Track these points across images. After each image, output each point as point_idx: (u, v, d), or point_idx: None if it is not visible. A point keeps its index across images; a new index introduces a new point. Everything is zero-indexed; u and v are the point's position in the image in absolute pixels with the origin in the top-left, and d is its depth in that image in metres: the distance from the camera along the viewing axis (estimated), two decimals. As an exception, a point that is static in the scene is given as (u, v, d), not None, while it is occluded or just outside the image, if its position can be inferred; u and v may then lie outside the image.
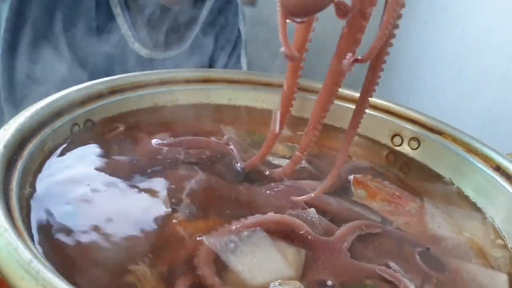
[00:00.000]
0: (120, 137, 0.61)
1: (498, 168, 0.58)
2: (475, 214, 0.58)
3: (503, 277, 0.47)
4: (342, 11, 0.40)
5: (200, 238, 0.43)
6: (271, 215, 0.47)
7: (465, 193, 0.61)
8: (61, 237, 0.41)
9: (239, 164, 0.58)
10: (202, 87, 0.73)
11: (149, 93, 0.68)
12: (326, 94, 0.49)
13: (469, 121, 1.53)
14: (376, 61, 0.48)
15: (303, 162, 0.60)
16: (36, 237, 0.40)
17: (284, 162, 0.59)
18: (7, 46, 1.07)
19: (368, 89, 0.50)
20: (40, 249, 0.38)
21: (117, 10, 1.12)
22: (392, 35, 0.46)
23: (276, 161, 0.61)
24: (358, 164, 0.64)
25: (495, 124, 1.47)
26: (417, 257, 0.47)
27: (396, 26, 0.45)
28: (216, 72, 0.75)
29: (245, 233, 0.44)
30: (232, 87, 0.75)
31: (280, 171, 0.55)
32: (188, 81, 0.72)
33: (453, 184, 0.63)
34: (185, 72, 0.72)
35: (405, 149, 0.69)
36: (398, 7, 0.43)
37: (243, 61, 1.38)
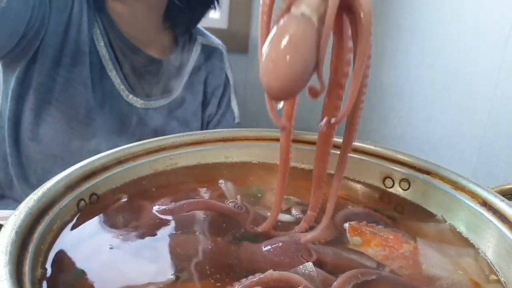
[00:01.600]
0: (124, 207, 0.64)
1: (485, 203, 0.60)
2: (468, 250, 0.60)
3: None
4: (313, 92, 0.44)
5: (205, 302, 0.46)
6: (269, 273, 0.49)
7: (457, 230, 0.63)
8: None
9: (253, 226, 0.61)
10: (199, 149, 0.77)
11: (149, 161, 0.72)
12: (321, 155, 0.54)
13: (465, 146, 1.56)
14: (351, 115, 0.52)
15: (297, 212, 0.63)
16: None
17: (283, 216, 0.62)
18: (12, 114, 1.15)
19: (348, 139, 0.54)
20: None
21: (109, 67, 1.20)
22: (364, 86, 0.50)
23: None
24: (352, 210, 0.67)
25: (491, 148, 1.50)
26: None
27: (366, 76, 0.49)
28: (210, 133, 0.78)
29: (246, 294, 0.47)
30: (226, 146, 0.79)
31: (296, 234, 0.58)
32: (186, 145, 0.76)
33: (445, 222, 0.65)
34: (183, 137, 0.76)
35: (397, 190, 0.72)
36: (365, 58, 0.46)
37: (234, 105, 1.44)
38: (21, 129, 1.17)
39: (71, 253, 0.53)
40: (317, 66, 0.42)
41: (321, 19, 0.42)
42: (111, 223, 0.60)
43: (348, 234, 0.60)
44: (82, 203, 0.62)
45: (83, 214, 0.61)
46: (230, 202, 0.67)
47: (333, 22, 0.42)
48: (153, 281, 0.50)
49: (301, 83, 0.42)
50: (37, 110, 1.14)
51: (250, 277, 0.49)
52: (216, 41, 1.43)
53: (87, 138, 1.18)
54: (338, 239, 0.59)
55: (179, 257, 0.53)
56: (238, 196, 0.68)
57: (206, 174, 0.76)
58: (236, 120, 1.44)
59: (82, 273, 0.50)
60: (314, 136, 0.77)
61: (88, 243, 0.56)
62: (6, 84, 1.17)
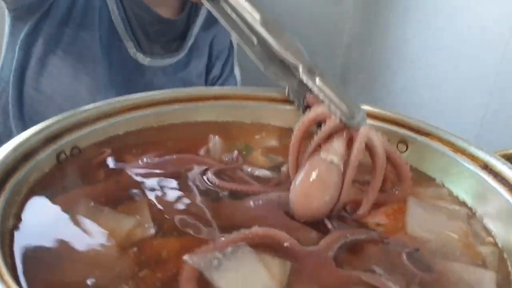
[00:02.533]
0: (107, 161, 0.61)
1: (486, 167, 0.57)
2: (464, 214, 0.57)
3: (490, 275, 0.47)
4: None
5: (184, 257, 0.43)
6: (255, 229, 0.47)
7: (455, 194, 0.61)
8: (44, 267, 0.42)
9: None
10: (190, 106, 0.74)
11: (136, 116, 0.69)
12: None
13: (469, 115, 1.52)
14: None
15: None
16: (20, 268, 0.41)
17: (266, 172, 0.60)
18: (19, 64, 1.16)
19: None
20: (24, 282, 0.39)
21: (118, 23, 1.20)
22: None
23: (257, 172, 0.61)
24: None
25: (495, 118, 1.46)
26: (405, 258, 0.47)
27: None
28: (202, 90, 0.75)
29: (229, 249, 0.44)
30: (219, 104, 0.75)
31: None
32: (175, 101, 0.73)
33: (444, 187, 0.62)
34: (171, 93, 0.73)
35: (394, 152, 0.69)
36: (378, 189, 0.56)
37: (237, 71, 1.46)
38: (26, 79, 1.17)
39: (47, 206, 0.51)
40: (338, 200, 0.52)
41: (345, 163, 0.53)
42: (91, 177, 0.58)
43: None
44: (63, 155, 0.59)
45: (63, 166, 0.58)
46: (226, 157, 0.64)
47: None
48: (132, 235, 0.47)
49: (326, 213, 0.52)
50: (44, 61, 1.15)
51: (235, 232, 0.47)
52: None
53: (92, 92, 1.18)
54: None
55: (160, 212, 0.51)
56: (236, 151, 0.65)
57: (196, 133, 0.73)
58: (238, 85, 1.43)
59: (57, 225, 0.48)
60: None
61: (66, 196, 0.53)
62: (14, 37, 1.18)
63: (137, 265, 0.44)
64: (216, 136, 0.69)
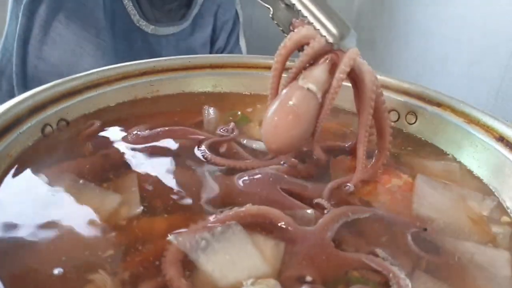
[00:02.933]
0: (96, 134, 0.58)
1: (502, 139, 0.53)
2: (477, 191, 0.53)
3: (505, 255, 0.43)
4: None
5: (168, 237, 0.40)
6: (247, 207, 0.43)
7: (468, 168, 0.56)
8: (18, 249, 0.39)
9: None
10: (184, 75, 0.70)
11: (128, 86, 0.65)
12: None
13: (483, 88, 1.46)
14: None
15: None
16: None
17: (262, 145, 0.56)
18: (22, 31, 1.14)
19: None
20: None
21: None
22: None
23: (255, 144, 0.57)
24: (342, 144, 0.59)
25: (510, 89, 1.40)
26: (409, 240, 0.43)
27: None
28: (197, 59, 0.71)
29: (219, 228, 0.41)
30: (215, 73, 0.71)
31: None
32: (168, 70, 0.69)
33: (455, 161, 0.58)
34: (165, 61, 0.69)
35: (403, 124, 0.65)
36: (367, 127, 0.50)
37: (242, 42, 1.47)
38: (29, 47, 1.15)
39: (28, 182, 0.48)
40: (313, 135, 0.48)
41: (324, 94, 0.47)
42: (78, 151, 0.54)
43: (330, 169, 0.53)
44: (48, 128, 0.56)
45: (48, 140, 0.55)
46: (221, 129, 0.61)
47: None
48: (117, 214, 0.44)
49: (296, 147, 0.49)
50: (47, 28, 1.13)
51: (226, 211, 0.44)
52: None
53: (95, 60, 1.15)
54: (321, 174, 0.53)
55: (148, 189, 0.47)
56: (232, 123, 0.61)
57: (191, 104, 0.69)
58: None
59: (36, 203, 0.44)
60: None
61: (49, 171, 0.50)
62: (17, 4, 1.15)
63: (121, 246, 0.40)
64: (211, 107, 0.65)
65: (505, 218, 0.48)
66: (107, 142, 0.56)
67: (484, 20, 1.47)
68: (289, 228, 0.42)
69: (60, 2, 1.12)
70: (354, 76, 0.49)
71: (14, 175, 0.48)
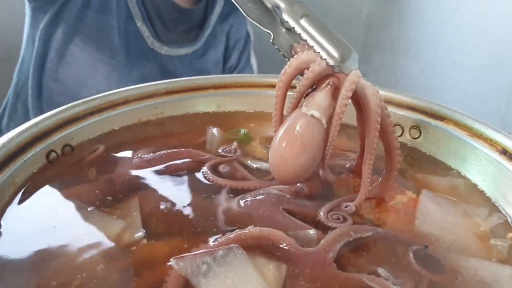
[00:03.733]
0: (99, 159, 0.58)
1: (505, 152, 0.52)
2: (482, 206, 0.52)
3: (508, 271, 0.42)
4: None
5: (170, 262, 0.40)
6: (249, 230, 0.43)
7: (473, 182, 0.56)
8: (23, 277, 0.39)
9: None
10: (188, 96, 0.70)
11: (131, 109, 0.66)
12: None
13: (493, 95, 1.45)
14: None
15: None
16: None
17: (264, 165, 0.56)
18: (38, 55, 1.18)
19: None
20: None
21: (135, 12, 1.21)
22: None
23: (256, 164, 0.57)
24: (345, 162, 0.59)
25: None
26: (411, 258, 0.43)
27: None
28: (200, 80, 0.71)
29: (220, 252, 0.41)
30: (218, 93, 0.71)
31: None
32: (172, 92, 0.69)
33: (460, 175, 0.57)
34: (168, 83, 0.69)
35: (407, 138, 0.64)
36: (373, 150, 0.49)
37: (253, 60, 1.48)
38: (45, 70, 1.19)
39: (32, 209, 0.48)
40: (322, 162, 0.48)
41: (329, 119, 0.46)
42: (82, 176, 0.55)
43: (334, 187, 0.53)
44: (53, 154, 0.56)
45: (53, 166, 0.56)
46: (224, 149, 0.61)
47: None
48: (120, 239, 0.44)
49: (306, 176, 0.48)
50: (63, 51, 1.17)
51: (228, 233, 0.44)
52: None
53: (109, 81, 1.19)
54: (324, 192, 0.52)
55: (151, 213, 0.48)
56: (235, 143, 0.62)
57: (196, 124, 0.69)
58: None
59: (40, 233, 0.45)
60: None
61: (53, 197, 0.51)
62: (33, 29, 1.19)
63: (123, 272, 0.41)
64: (215, 127, 0.66)
65: (510, 235, 0.47)
66: (111, 166, 0.57)
67: (492, 27, 1.46)
68: (291, 249, 0.42)
69: (76, 26, 1.16)
70: (357, 98, 0.48)
71: (19, 203, 0.49)
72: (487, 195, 0.54)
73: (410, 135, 0.64)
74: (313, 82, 0.47)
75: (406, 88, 1.95)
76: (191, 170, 0.56)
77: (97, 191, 0.52)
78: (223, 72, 1.42)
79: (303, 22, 0.48)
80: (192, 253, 0.41)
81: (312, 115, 0.46)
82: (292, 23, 0.48)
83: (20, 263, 0.41)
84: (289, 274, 0.40)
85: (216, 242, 0.42)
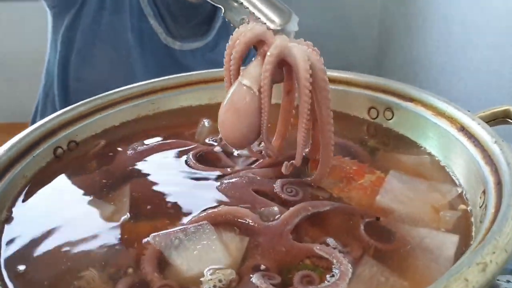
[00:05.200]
0: (100, 152, 0.66)
1: (462, 128, 0.56)
2: (445, 182, 0.56)
3: (453, 238, 0.46)
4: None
5: (148, 238, 0.47)
6: (218, 208, 0.50)
7: (437, 159, 0.60)
8: (24, 256, 0.47)
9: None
10: (182, 91, 0.77)
11: (130, 106, 0.73)
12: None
13: (505, 70, 1.44)
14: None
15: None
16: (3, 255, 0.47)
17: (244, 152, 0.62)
18: (62, 58, 1.27)
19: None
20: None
21: (147, 10, 1.27)
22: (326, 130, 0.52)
23: (239, 151, 0.63)
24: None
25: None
26: (361, 229, 0.48)
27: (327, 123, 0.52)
28: (191, 76, 0.78)
29: (191, 228, 0.47)
30: (209, 87, 0.77)
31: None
32: (167, 88, 0.76)
33: (427, 153, 0.61)
34: (162, 81, 0.76)
35: (382, 120, 0.69)
36: (306, 112, 0.49)
37: None
38: (69, 71, 1.28)
39: (39, 199, 0.56)
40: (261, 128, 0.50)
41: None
42: (85, 168, 0.63)
43: (307, 168, 0.58)
44: (60, 150, 0.64)
45: (60, 160, 0.63)
46: (211, 139, 0.67)
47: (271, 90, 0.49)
48: (111, 220, 0.52)
49: (248, 140, 0.52)
50: (83, 52, 1.25)
51: (200, 213, 0.50)
52: None
53: (128, 79, 1.24)
54: (296, 172, 0.57)
55: (138, 198, 0.55)
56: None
57: (191, 117, 0.76)
58: None
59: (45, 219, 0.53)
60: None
61: (58, 187, 0.59)
62: (55, 34, 1.28)
63: (111, 247, 0.48)
64: (207, 119, 0.72)
65: (462, 206, 0.51)
66: (110, 158, 0.64)
67: (505, 2, 1.45)
68: (253, 224, 0.48)
69: (94, 28, 1.23)
70: (288, 64, 0.49)
71: (29, 193, 0.57)
72: (449, 172, 0.57)
73: (384, 116, 0.68)
74: (246, 48, 0.50)
75: (423, 67, 1.95)
76: (179, 159, 0.62)
77: (96, 181, 0.59)
78: None
79: None
80: (168, 230, 0.48)
81: (244, 84, 0.49)
82: None
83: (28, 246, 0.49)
84: (250, 246, 0.46)
85: (189, 220, 0.49)
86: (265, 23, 0.50)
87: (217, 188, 0.55)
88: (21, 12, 2.35)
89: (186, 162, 0.60)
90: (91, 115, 0.69)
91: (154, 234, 0.47)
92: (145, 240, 0.47)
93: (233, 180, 0.55)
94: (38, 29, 1.53)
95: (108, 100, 0.71)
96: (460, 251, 0.45)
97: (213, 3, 0.56)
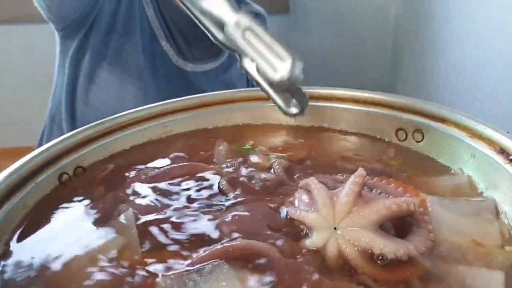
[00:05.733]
0: (108, 178, 0.61)
1: (502, 151, 0.51)
2: (490, 207, 0.51)
3: (497, 276, 0.41)
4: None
5: (157, 279, 0.42)
6: (235, 242, 0.45)
7: (476, 183, 0.55)
8: None
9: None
10: (197, 113, 0.73)
11: (141, 129, 0.69)
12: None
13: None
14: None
15: (278, 168, 0.58)
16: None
17: (270, 175, 0.58)
18: (69, 81, 1.25)
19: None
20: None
21: (158, 32, 1.26)
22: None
23: (263, 175, 0.58)
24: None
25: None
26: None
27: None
28: (208, 96, 0.74)
29: (206, 268, 0.42)
30: (226, 108, 0.73)
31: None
32: (180, 110, 0.72)
33: (463, 173, 0.56)
34: (175, 102, 0.72)
35: (411, 143, 0.64)
36: None
37: None
38: (77, 94, 1.26)
39: (42, 229, 0.52)
40: None
41: None
42: (92, 194, 0.58)
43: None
44: (65, 176, 0.60)
45: (65, 187, 0.59)
46: (230, 162, 0.63)
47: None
48: (118, 254, 0.47)
49: None
50: (91, 75, 1.23)
51: (214, 246, 0.45)
52: (259, 8, 1.44)
53: (138, 102, 1.22)
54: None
55: (145, 228, 0.50)
56: (240, 158, 0.63)
57: (205, 139, 0.71)
58: None
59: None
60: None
61: (61, 217, 0.54)
62: (63, 56, 1.26)
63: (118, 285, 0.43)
64: (223, 140, 0.68)
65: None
66: (119, 184, 0.60)
67: None
68: (275, 260, 0.43)
69: (103, 50, 1.22)
70: None
71: (30, 223, 0.52)
72: (486, 196, 0.52)
73: (414, 138, 0.63)
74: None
75: (437, 88, 1.91)
76: (192, 183, 0.58)
77: (104, 208, 0.54)
78: (247, 84, 1.43)
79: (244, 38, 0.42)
80: (180, 270, 0.43)
81: None
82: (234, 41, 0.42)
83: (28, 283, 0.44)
84: (274, 285, 0.41)
85: (203, 255, 0.44)
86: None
87: (231, 219, 0.50)
88: (30, 34, 2.35)
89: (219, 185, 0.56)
90: (99, 139, 0.65)
91: (164, 275, 0.42)
92: (155, 276, 0.42)
93: (248, 213, 0.50)
94: (47, 52, 1.51)
95: (116, 123, 0.67)
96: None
97: (229, 50, 0.47)
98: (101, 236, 0.49)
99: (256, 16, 1.41)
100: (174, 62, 1.29)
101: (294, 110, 0.44)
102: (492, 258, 0.44)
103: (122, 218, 0.51)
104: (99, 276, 0.44)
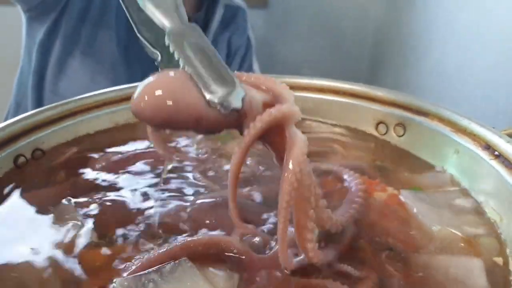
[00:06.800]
0: (69, 162, 0.57)
1: (488, 147, 0.49)
2: (467, 202, 0.49)
3: (478, 263, 0.39)
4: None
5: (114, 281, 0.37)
6: (198, 238, 0.41)
7: (456, 179, 0.52)
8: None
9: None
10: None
11: (108, 112, 0.65)
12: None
13: (502, 93, 1.39)
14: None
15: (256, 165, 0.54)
16: None
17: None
18: (37, 68, 1.18)
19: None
20: None
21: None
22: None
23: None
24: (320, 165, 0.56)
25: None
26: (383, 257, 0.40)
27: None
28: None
29: (167, 267, 0.38)
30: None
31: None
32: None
33: (445, 172, 0.54)
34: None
35: (391, 137, 0.61)
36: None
37: (256, 66, 1.48)
38: (45, 82, 1.19)
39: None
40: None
41: None
42: (51, 179, 0.54)
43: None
44: (22, 159, 0.55)
45: (21, 170, 0.54)
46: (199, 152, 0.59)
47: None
48: (77, 244, 0.43)
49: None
50: (62, 64, 1.17)
51: (176, 241, 0.41)
52: (238, 1, 1.40)
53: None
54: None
55: (107, 219, 0.46)
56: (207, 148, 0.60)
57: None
58: None
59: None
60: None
61: (14, 201, 0.49)
62: (30, 39, 1.19)
63: (69, 277, 0.39)
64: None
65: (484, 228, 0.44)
66: (80, 169, 0.55)
67: (499, 25, 1.41)
68: (242, 256, 0.40)
69: (74, 37, 1.16)
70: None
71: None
72: (470, 193, 0.50)
73: (394, 132, 0.61)
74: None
75: (417, 88, 1.90)
76: (154, 170, 0.54)
77: (62, 194, 0.50)
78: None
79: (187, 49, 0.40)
80: (139, 273, 0.38)
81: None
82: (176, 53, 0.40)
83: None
84: (242, 283, 0.38)
85: (164, 251, 0.40)
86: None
87: (193, 209, 0.46)
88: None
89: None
90: (60, 121, 0.60)
91: (120, 279, 0.37)
92: (109, 269, 0.38)
93: (211, 200, 0.46)
94: (12, 34, 1.44)
95: (81, 104, 0.63)
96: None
97: (151, 48, 0.47)
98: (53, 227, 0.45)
99: (237, 9, 1.38)
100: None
101: (214, 97, 0.36)
102: (471, 247, 0.42)
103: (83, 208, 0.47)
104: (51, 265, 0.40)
